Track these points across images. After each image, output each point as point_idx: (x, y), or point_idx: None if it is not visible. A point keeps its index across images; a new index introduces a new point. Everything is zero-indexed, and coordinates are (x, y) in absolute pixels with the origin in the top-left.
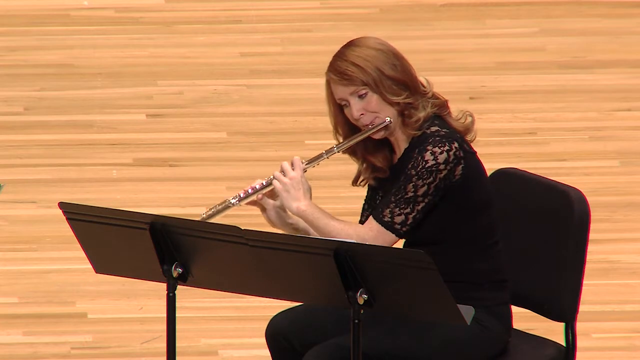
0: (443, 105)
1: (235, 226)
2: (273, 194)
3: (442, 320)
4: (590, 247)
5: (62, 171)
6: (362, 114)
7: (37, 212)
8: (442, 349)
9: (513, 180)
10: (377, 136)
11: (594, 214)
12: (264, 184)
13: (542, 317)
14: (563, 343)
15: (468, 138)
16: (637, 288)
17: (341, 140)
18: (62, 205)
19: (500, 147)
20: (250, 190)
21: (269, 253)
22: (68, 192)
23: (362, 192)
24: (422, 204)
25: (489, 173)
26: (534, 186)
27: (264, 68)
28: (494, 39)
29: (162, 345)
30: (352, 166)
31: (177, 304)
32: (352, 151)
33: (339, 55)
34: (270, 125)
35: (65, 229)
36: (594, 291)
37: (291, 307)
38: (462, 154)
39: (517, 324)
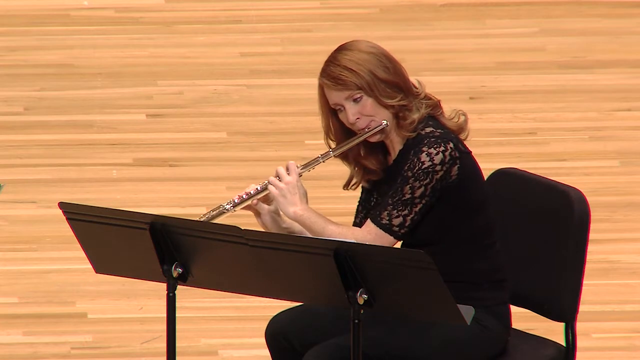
0: (436, 105)
1: (235, 226)
2: (268, 199)
3: (442, 320)
4: (590, 247)
5: (62, 171)
6: (357, 118)
7: (37, 212)
8: (442, 349)
9: (513, 180)
10: (373, 139)
11: (594, 214)
12: (259, 189)
13: (542, 317)
14: (563, 343)
15: (462, 137)
16: (637, 288)
17: (333, 145)
18: (62, 205)
19: (500, 147)
20: (245, 196)
21: (269, 253)
22: (68, 192)
23: None
24: (419, 206)
25: (489, 173)
26: (534, 186)
27: (264, 68)
28: (494, 39)
29: (162, 345)
30: None
31: (177, 304)
32: (343, 155)
33: (332, 60)
34: (270, 125)
35: (65, 229)
36: (594, 291)
37: (291, 307)
38: (457, 154)
39: (517, 324)
